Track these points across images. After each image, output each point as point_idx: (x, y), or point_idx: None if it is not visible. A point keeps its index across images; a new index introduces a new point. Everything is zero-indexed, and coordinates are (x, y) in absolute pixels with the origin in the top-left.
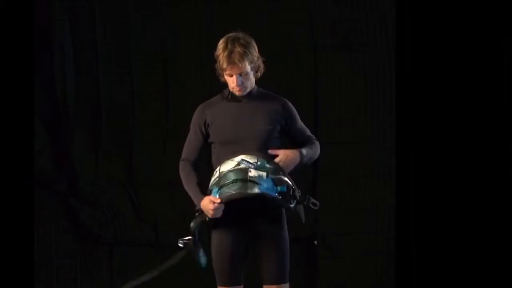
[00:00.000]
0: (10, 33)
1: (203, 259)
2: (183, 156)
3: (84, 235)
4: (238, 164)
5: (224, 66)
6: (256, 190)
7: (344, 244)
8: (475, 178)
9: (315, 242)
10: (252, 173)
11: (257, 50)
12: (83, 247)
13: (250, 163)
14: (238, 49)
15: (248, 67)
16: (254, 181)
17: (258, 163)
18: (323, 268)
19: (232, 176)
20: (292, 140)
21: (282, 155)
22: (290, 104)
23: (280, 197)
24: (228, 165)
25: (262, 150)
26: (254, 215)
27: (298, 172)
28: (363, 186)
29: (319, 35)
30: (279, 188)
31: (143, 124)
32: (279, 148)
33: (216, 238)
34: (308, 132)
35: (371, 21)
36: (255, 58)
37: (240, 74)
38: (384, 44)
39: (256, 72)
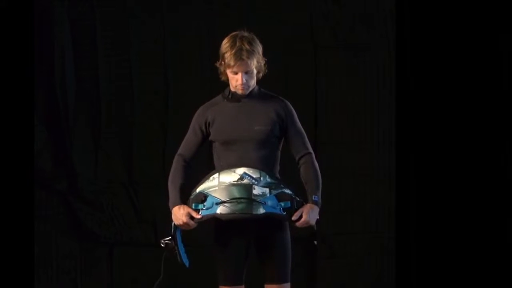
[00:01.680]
0: (10, 33)
1: (185, 259)
2: (179, 151)
3: (84, 235)
4: (241, 178)
5: (232, 63)
6: (261, 210)
7: (344, 244)
8: (475, 178)
9: (315, 242)
10: (256, 190)
11: (261, 50)
12: (83, 247)
13: (253, 178)
14: (246, 46)
15: (253, 65)
16: (258, 201)
17: (261, 178)
18: (323, 268)
19: (235, 193)
20: (288, 143)
21: (305, 217)
22: (290, 105)
23: (285, 213)
24: (229, 177)
25: (260, 150)
26: (255, 216)
27: (298, 172)
28: (363, 186)
29: (319, 35)
30: (283, 204)
31: (143, 124)
32: (278, 150)
33: (218, 237)
34: (305, 140)
35: (371, 21)
36: (260, 58)
37: (246, 72)
38: (384, 44)
39: (259, 72)
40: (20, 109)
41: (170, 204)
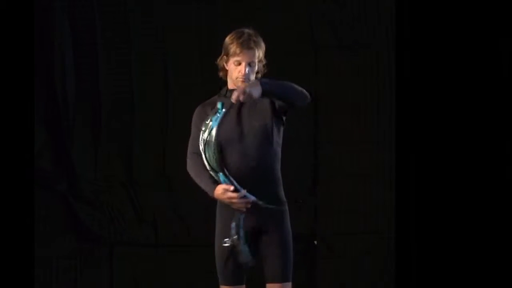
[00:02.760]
0: (10, 33)
1: (248, 257)
2: (190, 150)
3: (84, 235)
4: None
5: (238, 51)
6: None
7: (344, 244)
8: (475, 178)
9: (315, 242)
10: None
11: (264, 49)
12: (83, 247)
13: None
14: (253, 38)
15: (257, 58)
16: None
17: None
18: (323, 268)
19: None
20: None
21: (239, 88)
22: None
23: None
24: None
25: (261, 147)
26: (257, 214)
27: (298, 171)
28: (363, 186)
29: (319, 35)
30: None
31: (143, 124)
32: (279, 146)
33: (219, 237)
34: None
35: (371, 21)
36: (262, 56)
37: (249, 64)
38: (384, 44)
39: (257, 72)
40: (20, 109)
41: (210, 194)
